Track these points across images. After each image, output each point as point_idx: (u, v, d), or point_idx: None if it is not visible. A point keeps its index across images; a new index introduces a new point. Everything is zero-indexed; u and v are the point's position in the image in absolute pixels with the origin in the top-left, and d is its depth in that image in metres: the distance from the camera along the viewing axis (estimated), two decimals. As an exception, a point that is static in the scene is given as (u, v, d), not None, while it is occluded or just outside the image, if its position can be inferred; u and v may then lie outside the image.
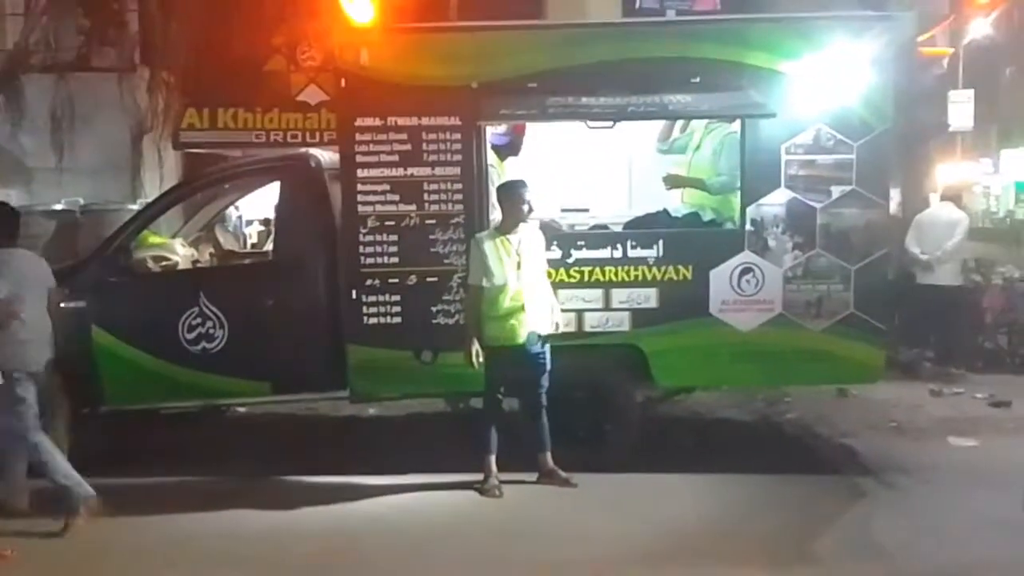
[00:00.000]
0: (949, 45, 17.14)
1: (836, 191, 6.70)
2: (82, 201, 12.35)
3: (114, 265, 7.12)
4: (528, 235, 6.47)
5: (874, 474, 6.89)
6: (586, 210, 7.72)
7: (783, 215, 6.71)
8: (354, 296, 6.78)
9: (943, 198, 10.83)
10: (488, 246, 6.36)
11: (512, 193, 6.44)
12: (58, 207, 12.12)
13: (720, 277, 6.74)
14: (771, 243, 6.72)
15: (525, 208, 6.40)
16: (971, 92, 15.77)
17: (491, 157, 6.98)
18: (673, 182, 7.47)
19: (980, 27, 16.19)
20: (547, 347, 6.51)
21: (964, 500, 6.30)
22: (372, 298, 6.78)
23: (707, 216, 7.16)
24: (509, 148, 7.23)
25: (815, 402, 8.74)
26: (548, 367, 6.52)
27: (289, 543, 5.75)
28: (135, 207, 10.32)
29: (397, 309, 6.78)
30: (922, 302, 10.11)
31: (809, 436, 8.00)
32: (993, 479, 6.64)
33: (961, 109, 15.51)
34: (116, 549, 5.73)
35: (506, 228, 6.43)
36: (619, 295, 6.77)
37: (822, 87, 6.55)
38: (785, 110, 6.55)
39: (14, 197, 14.06)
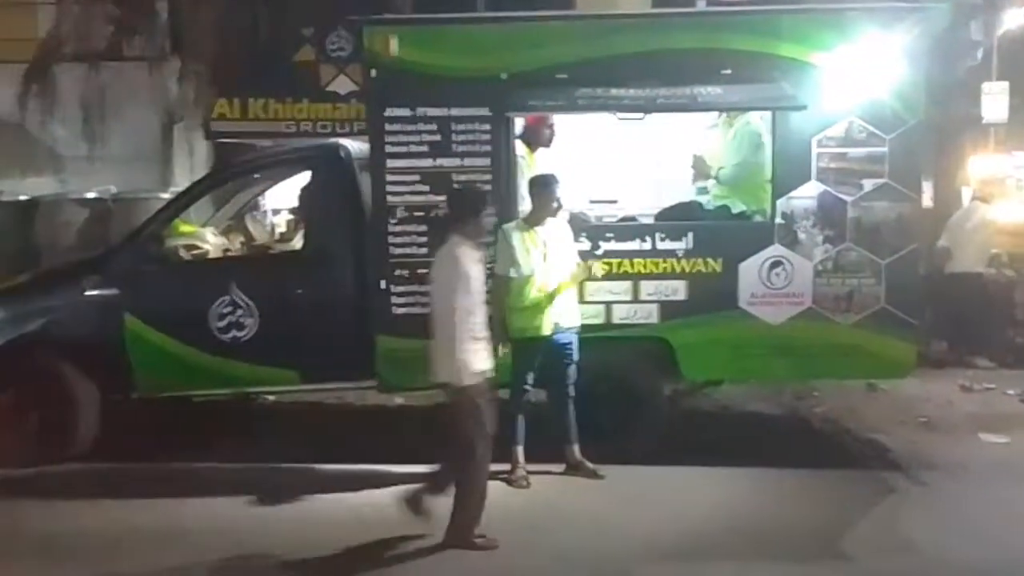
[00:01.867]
0: (984, 36, 16.91)
1: (868, 184, 6.64)
2: (114, 189, 12.47)
3: (145, 253, 7.19)
4: (555, 228, 6.46)
5: (904, 470, 6.84)
6: (615, 202, 7.69)
7: (814, 208, 6.66)
8: (383, 286, 6.80)
9: (974, 197, 10.77)
10: (516, 237, 6.36)
11: (543, 187, 6.43)
12: (90, 195, 12.24)
13: (750, 270, 6.70)
14: (801, 236, 6.68)
15: (555, 204, 6.39)
16: (1006, 84, 15.51)
17: (520, 148, 6.97)
18: (697, 166, 7.43)
19: (1015, 17, 15.94)
20: (574, 339, 6.50)
21: (995, 497, 6.24)
22: (400, 288, 6.80)
23: (737, 208, 7.11)
24: (538, 140, 7.20)
25: (844, 396, 8.69)
26: (575, 359, 6.52)
27: (315, 530, 5.80)
28: (166, 196, 10.41)
29: (426, 299, 6.78)
30: (945, 292, 10.07)
31: (838, 431, 7.95)
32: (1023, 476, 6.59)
33: (995, 101, 15.27)
34: (145, 533, 5.80)
35: (534, 220, 6.43)
36: (647, 287, 6.75)
37: (854, 79, 6.49)
38: (817, 102, 6.50)
39: (46, 185, 14.25)
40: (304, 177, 7.58)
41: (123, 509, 6.18)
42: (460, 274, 5.35)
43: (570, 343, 6.51)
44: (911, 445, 7.40)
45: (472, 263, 5.43)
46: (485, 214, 5.70)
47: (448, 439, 5.51)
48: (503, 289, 6.39)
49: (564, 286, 6.42)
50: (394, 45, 6.67)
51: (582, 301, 6.63)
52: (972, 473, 6.76)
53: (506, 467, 6.49)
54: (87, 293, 7.13)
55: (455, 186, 6.31)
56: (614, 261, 6.74)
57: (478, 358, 5.41)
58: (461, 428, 5.38)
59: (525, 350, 6.42)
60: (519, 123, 6.96)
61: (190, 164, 13.51)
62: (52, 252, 11.37)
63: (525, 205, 6.71)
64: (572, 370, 6.55)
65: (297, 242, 7.55)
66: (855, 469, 6.89)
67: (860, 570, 5.28)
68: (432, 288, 5.57)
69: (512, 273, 6.34)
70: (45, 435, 7.04)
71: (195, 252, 7.49)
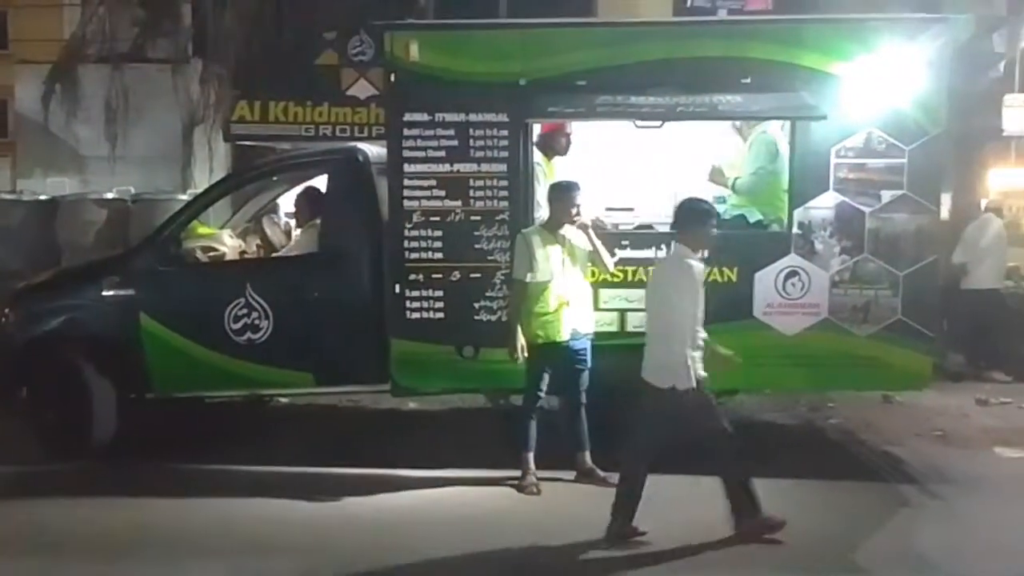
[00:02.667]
0: (1006, 48, 16.82)
1: (886, 195, 6.61)
2: (134, 190, 12.57)
3: (163, 254, 7.24)
4: (574, 233, 6.46)
5: (918, 483, 6.79)
6: (631, 209, 7.68)
7: (831, 218, 6.64)
8: (398, 290, 6.82)
9: (986, 210, 10.73)
10: (535, 242, 6.37)
11: (563, 194, 6.43)
12: (110, 195, 12.35)
13: (765, 280, 6.68)
14: (818, 246, 6.66)
15: (574, 211, 6.39)
16: (1028, 96, 15.47)
17: (538, 155, 6.98)
18: (713, 177, 7.42)
19: (1039, 30, 15.88)
20: (589, 345, 6.50)
21: (1010, 512, 6.19)
22: (416, 293, 6.81)
23: (754, 218, 7.10)
24: (555, 147, 7.20)
25: (860, 408, 8.64)
26: (589, 365, 6.51)
27: (327, 533, 5.80)
28: (185, 197, 10.49)
29: (440, 304, 6.80)
30: (961, 306, 10.02)
31: (853, 442, 7.91)
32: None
33: (1016, 113, 15.20)
34: (159, 533, 5.83)
35: (552, 226, 6.43)
36: (663, 295, 6.72)
37: (875, 90, 6.48)
38: (836, 112, 6.48)
39: (68, 185, 14.36)
40: (322, 181, 7.61)
41: (137, 508, 6.21)
42: (688, 283, 5.51)
43: (584, 349, 6.51)
44: (926, 458, 7.35)
45: (697, 273, 5.56)
46: (710, 226, 5.72)
47: (636, 437, 5.70)
48: (520, 294, 6.40)
49: (581, 293, 6.43)
50: (415, 50, 6.70)
51: (597, 308, 6.62)
52: (987, 487, 6.70)
53: (516, 473, 6.48)
54: (105, 293, 7.19)
55: (682, 199, 6.01)
56: (630, 268, 6.73)
57: (699, 364, 5.59)
58: (697, 426, 5.61)
59: (540, 356, 6.42)
60: (536, 130, 6.97)
61: (210, 166, 13.59)
62: (73, 251, 11.47)
63: (541, 212, 6.71)
64: (586, 376, 6.55)
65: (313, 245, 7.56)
66: (869, 481, 6.84)
67: (872, 583, 5.26)
68: (653, 295, 5.75)
69: (529, 278, 6.34)
70: (63, 432, 7.10)
71: (212, 254, 7.52)
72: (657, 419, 5.59)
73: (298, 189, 7.86)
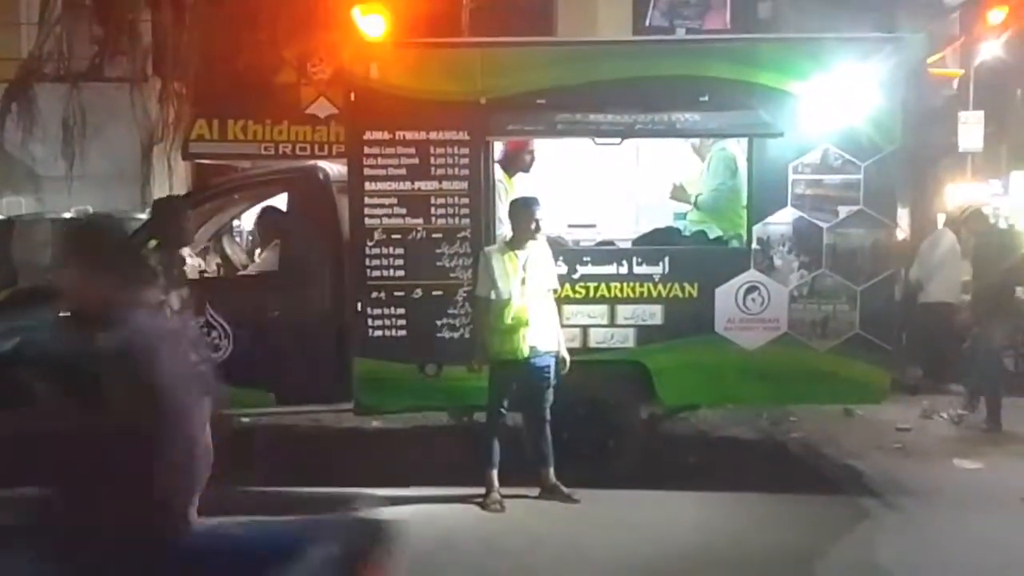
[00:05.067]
0: (960, 66, 17.14)
1: (843, 211, 6.70)
2: (91, 209, 12.40)
3: (121, 274, 7.13)
4: (536, 251, 6.48)
5: (879, 495, 6.86)
6: (593, 226, 7.73)
7: (790, 234, 6.71)
8: (359, 308, 6.79)
9: (945, 224, 10.88)
10: (496, 259, 6.38)
11: (523, 210, 6.45)
12: (68, 215, 12.17)
13: (726, 295, 6.73)
14: (777, 262, 6.72)
15: (533, 226, 6.41)
16: (981, 113, 15.73)
17: (500, 173, 7.00)
18: (675, 194, 7.49)
19: (991, 48, 16.19)
20: (552, 362, 6.50)
21: (968, 523, 6.26)
22: (377, 311, 6.78)
23: (714, 234, 7.16)
24: (517, 165, 7.23)
25: (821, 422, 8.72)
26: (553, 382, 6.52)
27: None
28: (144, 216, 10.36)
29: (402, 322, 6.78)
30: (917, 320, 10.16)
31: (814, 456, 7.97)
32: (997, 502, 6.61)
33: (971, 130, 15.47)
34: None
35: (515, 243, 6.44)
36: (624, 311, 6.77)
37: (831, 107, 6.56)
38: (793, 130, 6.57)
39: (24, 205, 14.16)
40: (282, 199, 7.57)
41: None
42: None
43: (548, 366, 6.51)
44: (886, 470, 7.43)
45: None
46: None
47: None
48: (482, 310, 6.40)
49: (542, 310, 6.44)
50: (374, 68, 6.70)
51: (559, 325, 6.64)
52: (946, 499, 6.78)
53: (480, 491, 6.47)
54: (63, 313, 7.07)
55: None
56: (591, 285, 6.76)
57: None
58: None
59: (502, 372, 6.42)
60: (499, 148, 6.98)
61: (169, 185, 13.47)
62: (29, 271, 11.31)
63: (503, 229, 6.72)
64: (549, 393, 6.55)
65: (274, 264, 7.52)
66: (830, 494, 6.90)
67: (834, 596, 5.30)
68: None
69: (493, 295, 6.35)
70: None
71: (171, 273, 7.45)
72: None
73: (258, 208, 7.83)
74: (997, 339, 8.98)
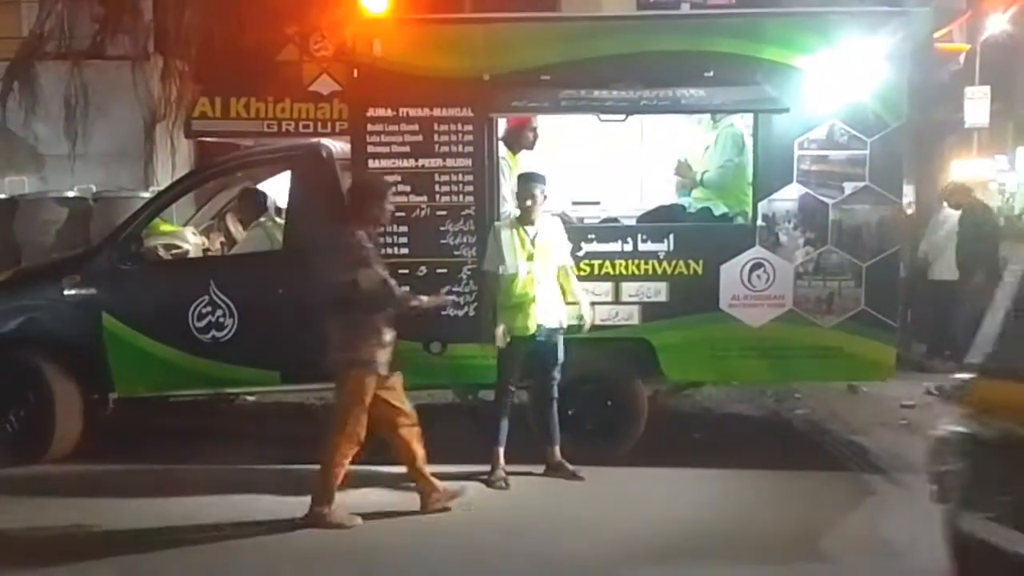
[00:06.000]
0: (966, 41, 17.02)
1: (849, 187, 6.66)
2: (95, 188, 12.40)
3: (125, 252, 7.14)
4: (546, 228, 6.45)
5: (883, 472, 6.86)
6: (597, 203, 7.70)
7: (795, 211, 6.68)
8: (364, 287, 6.77)
9: (942, 199, 10.84)
10: (504, 235, 6.36)
11: (524, 183, 6.42)
12: (71, 194, 12.17)
13: (731, 272, 6.71)
14: (782, 238, 6.69)
15: (529, 202, 6.37)
16: (987, 88, 15.63)
17: (503, 150, 6.96)
18: (679, 171, 7.45)
19: (997, 23, 16.08)
20: (560, 340, 6.49)
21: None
22: (381, 288, 6.76)
23: (719, 211, 7.12)
24: (520, 142, 7.19)
25: (825, 398, 8.72)
26: (561, 360, 6.51)
27: (295, 530, 5.76)
28: (147, 195, 10.36)
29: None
30: (923, 297, 10.16)
31: (819, 433, 7.98)
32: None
33: (977, 105, 15.38)
34: (119, 532, 5.77)
35: (524, 219, 6.41)
36: (629, 289, 6.75)
37: (837, 83, 6.51)
38: (799, 105, 6.52)
39: (27, 184, 14.14)
40: (286, 177, 7.55)
41: (104, 510, 6.13)
42: None
43: (556, 345, 6.50)
44: (891, 447, 7.42)
45: None
46: None
47: None
48: (491, 285, 6.40)
49: (549, 287, 6.42)
50: (377, 45, 6.66)
51: (564, 302, 6.62)
52: (951, 475, 6.77)
53: (485, 468, 6.48)
54: (66, 292, 7.09)
55: None
56: (596, 262, 6.74)
57: None
58: None
59: (511, 349, 6.40)
60: (502, 125, 6.95)
61: (171, 163, 13.46)
62: (32, 250, 11.31)
63: (507, 206, 6.70)
64: (557, 371, 6.54)
65: (260, 244, 7.52)
66: (835, 471, 6.91)
67: (839, 571, 5.29)
68: None
69: (501, 270, 6.33)
70: (24, 436, 6.99)
71: (175, 252, 7.45)
72: None
73: (262, 185, 7.82)
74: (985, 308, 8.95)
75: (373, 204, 5.86)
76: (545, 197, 6.44)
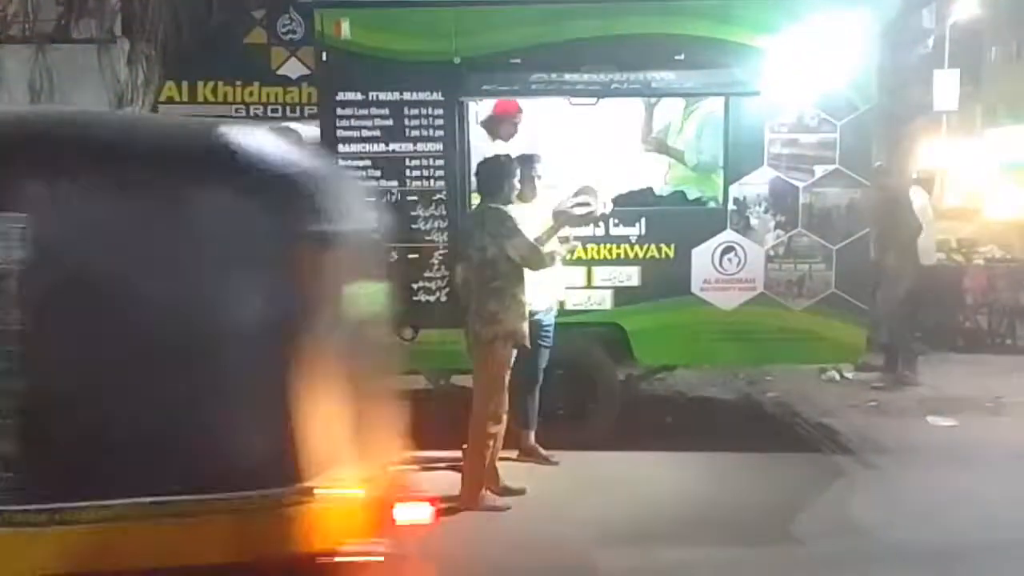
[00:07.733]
0: (935, 24, 17.14)
1: (819, 170, 6.68)
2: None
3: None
4: (531, 211, 6.38)
5: (854, 453, 6.92)
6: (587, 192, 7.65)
7: (766, 194, 6.70)
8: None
9: (913, 183, 10.87)
10: (516, 216, 6.14)
11: (524, 165, 6.22)
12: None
13: (702, 256, 6.72)
14: (753, 222, 6.71)
15: (533, 182, 6.28)
16: (956, 72, 15.76)
17: (483, 136, 6.89)
18: (656, 146, 7.42)
19: (966, 6, 16.20)
20: (552, 322, 6.46)
21: (942, 479, 6.33)
22: (352, 274, 6.71)
23: (692, 194, 7.12)
24: (498, 132, 7.12)
25: (797, 381, 8.77)
26: (550, 343, 6.48)
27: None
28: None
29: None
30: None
31: (790, 415, 8.03)
32: (971, 459, 6.69)
33: (946, 89, 15.51)
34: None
35: (524, 199, 6.25)
36: (601, 273, 6.75)
37: (806, 65, 6.52)
38: (769, 88, 6.53)
39: (-9, 169, 13.91)
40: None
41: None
42: None
43: (550, 326, 6.47)
44: (861, 429, 7.50)
45: None
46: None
47: None
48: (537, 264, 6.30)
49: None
50: (345, 28, 6.59)
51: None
52: (920, 456, 6.84)
53: (458, 454, 6.45)
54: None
55: None
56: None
57: None
58: None
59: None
60: (484, 111, 6.90)
61: (140, 148, 13.29)
62: None
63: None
64: (545, 354, 6.49)
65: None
66: (806, 453, 6.96)
67: (810, 553, 5.32)
68: None
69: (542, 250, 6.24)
70: None
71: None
72: None
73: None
74: (903, 291, 9.02)
75: (503, 181, 5.86)
76: (540, 177, 6.40)
